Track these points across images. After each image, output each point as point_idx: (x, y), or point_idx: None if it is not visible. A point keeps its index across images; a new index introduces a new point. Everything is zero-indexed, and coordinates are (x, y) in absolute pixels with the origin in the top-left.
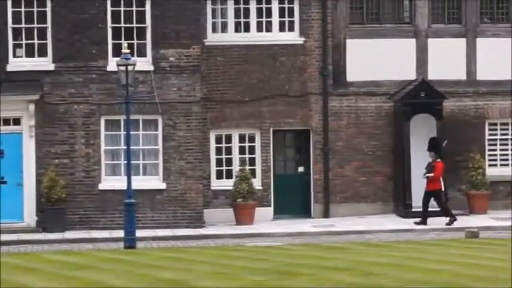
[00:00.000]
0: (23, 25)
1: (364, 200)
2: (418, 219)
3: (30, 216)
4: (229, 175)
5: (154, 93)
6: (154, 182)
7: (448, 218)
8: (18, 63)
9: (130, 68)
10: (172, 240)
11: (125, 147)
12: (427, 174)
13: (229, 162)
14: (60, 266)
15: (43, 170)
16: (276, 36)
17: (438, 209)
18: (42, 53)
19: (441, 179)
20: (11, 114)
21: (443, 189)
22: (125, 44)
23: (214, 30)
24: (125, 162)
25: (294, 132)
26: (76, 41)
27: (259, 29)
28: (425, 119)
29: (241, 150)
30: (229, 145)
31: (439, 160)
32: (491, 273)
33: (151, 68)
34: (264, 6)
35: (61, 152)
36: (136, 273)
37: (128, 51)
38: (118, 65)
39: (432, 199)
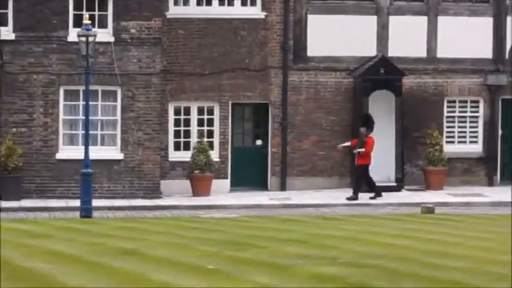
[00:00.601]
0: None
1: (321, 174)
2: (372, 194)
3: None
4: (187, 147)
5: (114, 65)
6: (111, 153)
7: (373, 193)
8: None
9: (90, 39)
10: (128, 210)
11: (83, 118)
12: (358, 149)
13: (187, 134)
14: (16, 234)
15: (1, 139)
16: (238, 10)
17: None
18: (3, 22)
19: (371, 154)
20: None
21: (371, 164)
22: (86, 14)
23: (176, 2)
24: (83, 132)
25: (253, 106)
26: (37, 11)
27: (221, 2)
28: (384, 96)
29: (200, 123)
30: (187, 117)
31: (370, 136)
32: (445, 248)
33: (112, 39)
34: None
35: (19, 120)
36: (91, 242)
37: (89, 22)
38: (79, 36)
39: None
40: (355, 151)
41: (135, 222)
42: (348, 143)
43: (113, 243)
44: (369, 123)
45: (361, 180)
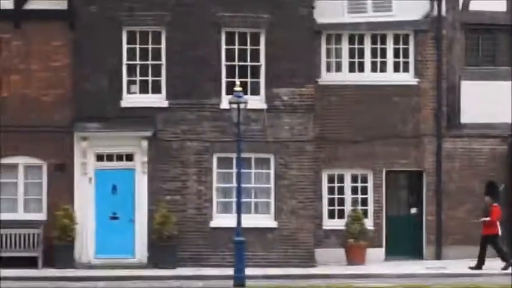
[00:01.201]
0: (138, 62)
1: (476, 243)
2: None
3: (141, 252)
4: (341, 215)
5: (266, 132)
6: (265, 221)
7: (504, 263)
8: (132, 99)
9: (242, 106)
10: (282, 279)
11: (236, 185)
12: (483, 218)
13: (341, 202)
14: None
15: (155, 206)
16: (390, 77)
17: None
18: (156, 89)
19: (498, 223)
20: (124, 150)
21: (500, 233)
22: (237, 82)
23: (328, 69)
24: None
25: (406, 173)
26: (190, 79)
27: (374, 69)
28: None
29: (354, 190)
30: (341, 185)
31: (495, 204)
32: None
33: (265, 106)
34: (378, 46)
35: (173, 188)
36: None
37: (240, 89)
38: (230, 103)
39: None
40: (480, 220)
41: None
42: (488, 218)
43: None
44: (493, 191)
45: (499, 248)
